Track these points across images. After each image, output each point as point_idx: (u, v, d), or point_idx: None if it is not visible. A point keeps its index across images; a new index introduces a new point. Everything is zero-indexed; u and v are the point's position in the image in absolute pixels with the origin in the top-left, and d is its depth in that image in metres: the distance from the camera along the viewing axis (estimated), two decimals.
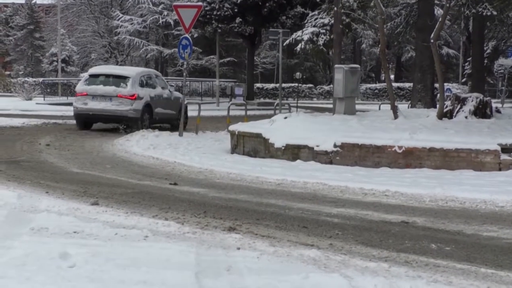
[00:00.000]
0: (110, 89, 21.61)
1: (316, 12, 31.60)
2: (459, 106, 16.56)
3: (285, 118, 17.53)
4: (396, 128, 15.49)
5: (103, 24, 60.95)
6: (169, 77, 54.36)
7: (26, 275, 5.75)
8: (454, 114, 16.52)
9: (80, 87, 22.45)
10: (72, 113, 23.55)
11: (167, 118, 23.46)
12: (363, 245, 7.45)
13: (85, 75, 24.42)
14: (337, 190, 11.40)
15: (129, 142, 18.53)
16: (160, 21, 54.00)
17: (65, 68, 55.60)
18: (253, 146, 16.39)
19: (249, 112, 26.07)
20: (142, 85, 22.19)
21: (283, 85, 47.75)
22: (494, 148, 13.27)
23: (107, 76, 22.36)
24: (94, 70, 24.08)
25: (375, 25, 28.70)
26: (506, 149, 13.33)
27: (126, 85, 21.79)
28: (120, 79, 22.02)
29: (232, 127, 17.81)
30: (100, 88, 21.68)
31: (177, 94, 24.71)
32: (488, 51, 42.13)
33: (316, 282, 5.84)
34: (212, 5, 40.37)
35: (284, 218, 8.95)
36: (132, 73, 22.76)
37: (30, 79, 50.79)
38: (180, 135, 20.10)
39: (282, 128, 16.30)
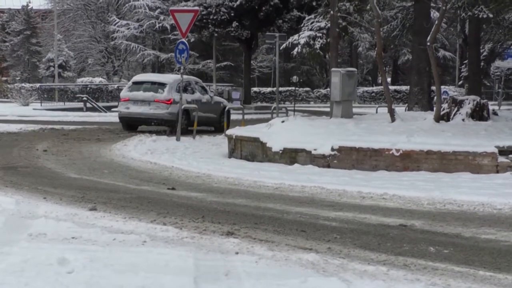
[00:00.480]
0: (148, 94, 23.50)
1: (312, 16, 31.63)
2: (456, 109, 16.58)
3: (283, 122, 17.54)
4: (394, 131, 15.50)
5: (99, 29, 61.03)
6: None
7: (25, 281, 5.74)
8: (451, 116, 16.55)
9: (124, 93, 24.67)
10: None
11: (206, 121, 24.58)
12: (362, 249, 7.45)
13: (129, 83, 26.49)
14: (335, 193, 11.41)
15: (126, 147, 18.54)
16: (157, 26, 54.07)
17: (62, 73, 55.61)
18: (250, 150, 16.40)
19: (246, 116, 26.05)
20: (179, 91, 23.03)
21: (280, 88, 47.79)
22: (491, 151, 13.28)
23: (147, 83, 24.40)
24: (136, 78, 26.15)
25: (372, 28, 28.73)
26: (503, 151, 13.34)
27: (163, 91, 23.70)
28: (158, 86, 24.02)
29: (229, 131, 17.82)
30: (140, 94, 23.63)
31: (217, 99, 27.16)
32: (485, 53, 42.16)
33: (314, 286, 5.84)
34: (209, 9, 40.42)
35: (282, 222, 8.95)
36: (170, 80, 24.59)
37: (27, 85, 50.81)
38: (178, 139, 20.11)
39: (279, 132, 16.31)
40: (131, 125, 24.30)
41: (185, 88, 23.98)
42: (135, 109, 23.54)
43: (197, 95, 25.03)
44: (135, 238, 7.45)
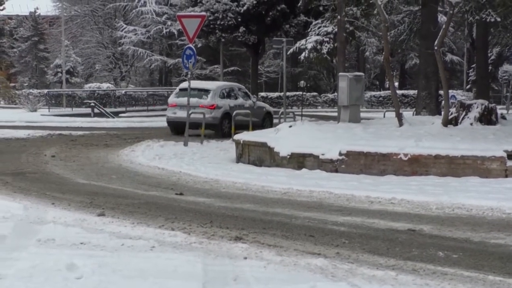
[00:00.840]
0: (193, 100, 24.16)
1: (319, 21, 31.61)
2: (464, 113, 16.53)
3: (290, 126, 17.52)
4: (401, 135, 15.46)
5: (107, 35, 61.15)
6: (173, 87, 54.47)
7: (33, 286, 5.75)
8: (459, 121, 16.50)
9: (171, 99, 26.57)
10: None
11: (247, 125, 24.87)
12: (370, 254, 7.43)
13: (176, 89, 28.08)
14: (343, 198, 11.39)
15: (134, 153, 18.55)
16: (164, 31, 54.14)
17: (70, 79, 55.71)
18: (258, 155, 16.39)
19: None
20: (222, 97, 25.86)
21: (288, 93, 47.72)
22: (500, 155, 13.23)
23: (193, 89, 24.72)
24: (183, 85, 27.26)
25: (379, 33, 28.72)
26: None
27: (207, 97, 25.45)
28: (202, 92, 25.70)
29: (237, 136, 17.81)
30: (186, 100, 23.88)
31: (260, 104, 29.14)
32: (493, 57, 42.10)
33: None
34: (216, 14, 40.43)
35: (290, 227, 8.94)
36: (213, 87, 26.50)
37: (35, 91, 50.90)
38: (185, 145, 20.11)
39: (287, 136, 16.29)
40: (178, 129, 25.30)
41: (228, 94, 26.45)
42: (181, 113, 24.34)
43: (239, 100, 26.65)
44: (143, 244, 7.45)
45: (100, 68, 63.06)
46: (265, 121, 27.03)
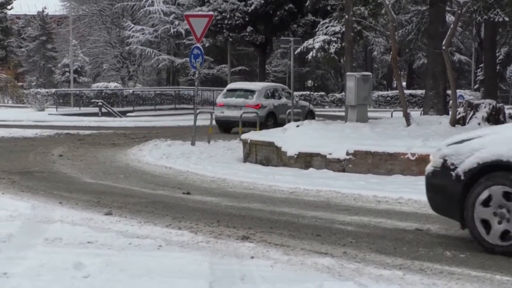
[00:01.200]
0: (240, 100, 26.95)
1: (327, 20, 31.59)
2: (472, 113, 16.51)
3: (297, 126, 17.52)
4: (409, 135, 15.45)
5: (114, 35, 61.24)
6: (181, 87, 54.54)
7: (41, 285, 5.76)
8: (467, 120, 16.48)
9: (219, 99, 28.39)
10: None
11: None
12: (377, 253, 7.43)
13: (223, 90, 29.60)
14: (350, 198, 11.38)
15: (141, 152, 18.57)
16: (172, 31, 54.20)
17: (77, 78, 55.78)
18: (265, 154, 16.38)
19: None
20: (267, 97, 27.72)
21: (295, 93, 47.75)
22: None
23: (239, 90, 28.07)
24: (230, 86, 29.91)
25: (387, 33, 28.69)
26: None
27: (253, 97, 27.24)
28: (248, 93, 27.58)
29: (244, 136, 17.81)
30: (233, 100, 27.13)
31: (302, 103, 31.41)
32: (501, 57, 42.04)
33: None
34: (223, 14, 40.45)
35: (297, 226, 8.93)
36: (258, 87, 28.38)
37: (43, 90, 50.97)
38: (193, 144, 20.13)
39: (294, 136, 16.29)
40: (225, 127, 27.17)
41: (272, 94, 28.32)
42: (229, 113, 26.53)
43: (283, 100, 28.33)
44: (150, 243, 7.46)
45: (108, 68, 63.15)
46: (307, 118, 27.66)
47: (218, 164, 16.25)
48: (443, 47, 16.56)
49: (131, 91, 47.49)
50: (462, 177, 7.50)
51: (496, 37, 28.60)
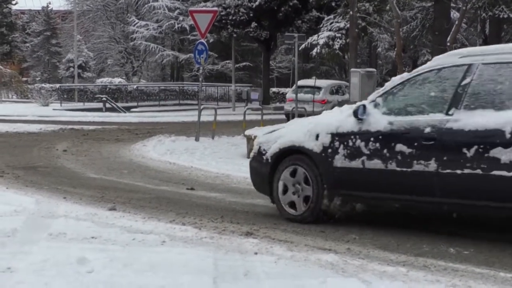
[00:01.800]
0: (308, 96, 29.12)
1: (331, 16, 31.61)
2: None
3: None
4: None
5: (119, 30, 61.31)
6: (185, 83, 54.56)
7: (45, 280, 5.77)
8: None
9: (289, 94, 31.04)
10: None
11: None
12: (381, 250, 7.42)
13: (293, 86, 30.11)
14: None
15: (145, 147, 18.58)
16: (176, 26, 54.20)
17: (82, 74, 55.90)
18: None
19: (265, 117, 25.97)
20: (332, 93, 30.82)
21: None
22: None
23: (308, 87, 30.42)
24: (299, 82, 30.46)
25: (391, 29, 28.63)
26: None
27: (319, 93, 30.15)
28: (315, 89, 29.71)
29: (248, 132, 17.79)
30: (302, 96, 28.76)
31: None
32: None
33: (334, 287, 5.83)
34: (228, 10, 40.44)
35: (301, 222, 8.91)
36: (325, 84, 31.30)
37: (47, 85, 51.08)
38: (197, 140, 20.13)
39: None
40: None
41: (337, 90, 31.39)
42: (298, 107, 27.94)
43: (346, 96, 29.29)
44: (154, 238, 7.46)
45: (112, 63, 63.22)
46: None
47: (222, 159, 16.25)
48: (448, 44, 16.54)
49: (135, 86, 47.57)
50: (269, 160, 9.17)
51: (501, 34, 28.56)
